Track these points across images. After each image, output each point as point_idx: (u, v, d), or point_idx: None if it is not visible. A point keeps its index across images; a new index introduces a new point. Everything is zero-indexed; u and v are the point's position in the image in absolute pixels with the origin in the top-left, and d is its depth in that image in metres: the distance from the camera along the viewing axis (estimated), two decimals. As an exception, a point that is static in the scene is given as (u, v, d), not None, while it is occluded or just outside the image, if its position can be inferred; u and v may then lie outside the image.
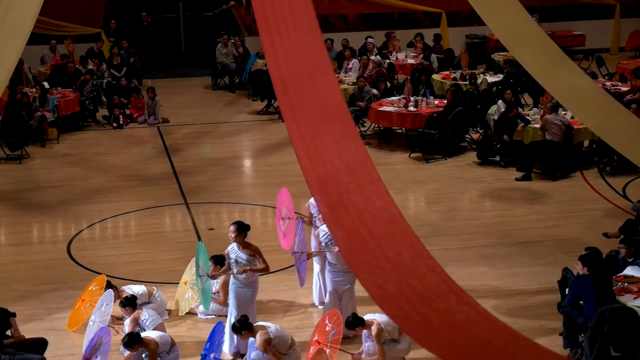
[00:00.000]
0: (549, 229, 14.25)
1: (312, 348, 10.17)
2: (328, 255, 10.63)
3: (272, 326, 10.03)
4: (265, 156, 18.25)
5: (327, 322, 10.27)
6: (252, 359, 10.00)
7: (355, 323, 10.08)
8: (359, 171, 6.73)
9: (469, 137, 18.43)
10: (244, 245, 10.60)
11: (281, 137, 19.43)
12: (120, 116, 20.01)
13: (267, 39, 7.24)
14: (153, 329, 10.34)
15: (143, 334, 9.92)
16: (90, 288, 11.47)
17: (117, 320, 11.16)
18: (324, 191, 6.71)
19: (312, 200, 11.45)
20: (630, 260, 11.04)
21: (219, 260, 11.26)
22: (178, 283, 12.06)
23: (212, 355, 9.95)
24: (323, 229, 10.65)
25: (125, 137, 19.66)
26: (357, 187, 6.60)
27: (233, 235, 10.59)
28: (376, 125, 19.18)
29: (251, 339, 9.99)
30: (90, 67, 21.45)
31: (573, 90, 8.46)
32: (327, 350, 9.96)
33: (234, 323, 10.01)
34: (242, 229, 10.58)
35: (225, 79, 23.84)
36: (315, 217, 11.37)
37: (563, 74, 8.38)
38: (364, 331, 10.25)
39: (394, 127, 18.91)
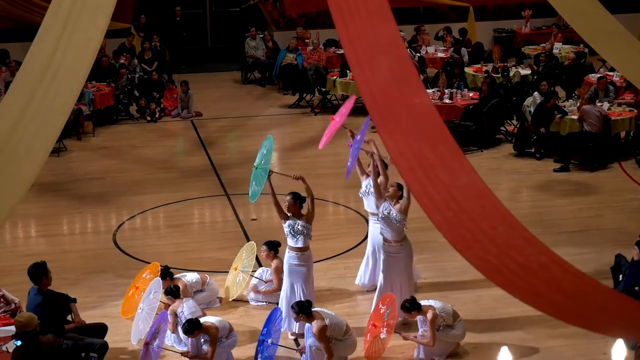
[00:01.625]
0: (592, 219, 14.27)
1: (369, 335, 10.24)
2: (384, 234, 10.78)
3: (328, 313, 10.10)
4: (301, 148, 18.30)
5: (380, 305, 10.36)
6: (310, 345, 10.06)
7: (412, 307, 10.15)
8: (441, 148, 6.79)
9: (504, 129, 18.45)
10: (299, 215, 10.92)
11: (315, 129, 19.52)
12: (157, 110, 20.11)
13: (342, 28, 7.28)
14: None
15: (202, 320, 9.98)
16: (143, 275, 11.54)
17: (167, 307, 11.24)
18: (412, 169, 6.77)
19: None
20: (683, 248, 11.04)
21: (273, 246, 11.44)
22: (226, 272, 12.15)
23: (269, 340, 10.00)
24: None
25: (160, 130, 19.74)
26: (442, 164, 6.66)
27: (287, 204, 10.98)
28: (410, 118, 19.23)
29: (307, 324, 10.05)
30: (122, 61, 21.54)
31: None
32: (384, 330, 10.05)
33: (292, 304, 10.08)
34: (297, 197, 11.02)
35: (255, 73, 23.89)
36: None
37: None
38: (419, 317, 10.32)
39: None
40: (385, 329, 10.11)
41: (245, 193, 15.46)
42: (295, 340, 10.87)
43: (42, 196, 15.46)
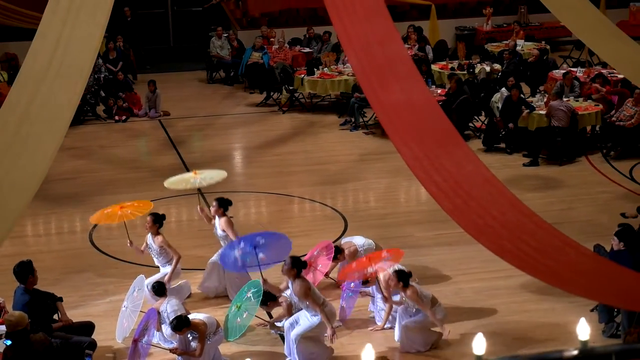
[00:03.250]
0: (564, 212, 14.51)
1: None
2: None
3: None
4: (272, 147, 18.35)
5: (386, 253, 10.65)
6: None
7: (401, 277, 10.37)
8: (443, 138, 6.90)
9: (472, 125, 18.66)
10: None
11: (285, 128, 19.61)
12: (123, 105, 20.10)
13: (340, 28, 7.35)
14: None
15: (191, 316, 10.00)
16: (132, 204, 11.63)
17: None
18: (417, 158, 6.87)
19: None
20: (659, 236, 11.29)
21: (223, 203, 11.76)
22: (202, 269, 12.23)
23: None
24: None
25: (128, 130, 19.68)
26: (446, 153, 6.76)
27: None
28: (378, 115, 19.40)
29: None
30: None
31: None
32: (374, 265, 10.37)
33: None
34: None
35: (220, 72, 23.89)
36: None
37: (633, 56, 8.66)
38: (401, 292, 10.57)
39: (397, 117, 19.11)
40: (374, 264, 10.34)
41: (220, 191, 15.64)
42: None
43: (14, 197, 15.33)
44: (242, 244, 10.61)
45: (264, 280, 10.47)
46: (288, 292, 10.40)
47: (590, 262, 7.00)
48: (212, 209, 11.74)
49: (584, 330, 3.56)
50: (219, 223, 11.70)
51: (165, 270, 11.57)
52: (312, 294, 10.01)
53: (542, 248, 6.44)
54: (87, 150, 18.20)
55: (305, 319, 10.18)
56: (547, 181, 16.03)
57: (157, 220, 11.62)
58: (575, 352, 3.30)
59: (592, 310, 11.11)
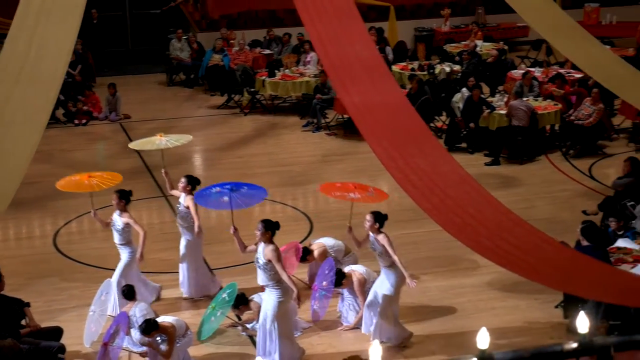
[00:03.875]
0: (526, 210, 14.64)
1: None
2: None
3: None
4: (234, 149, 18.35)
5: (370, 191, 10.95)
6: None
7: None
8: (418, 138, 6.97)
9: (433, 125, 18.80)
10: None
11: (246, 130, 19.62)
12: (83, 108, 19.98)
13: (312, 30, 7.40)
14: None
15: (159, 320, 9.99)
16: (102, 175, 11.59)
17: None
18: (392, 158, 6.93)
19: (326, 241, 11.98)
20: (620, 233, 11.47)
21: (192, 180, 11.71)
22: (171, 272, 12.20)
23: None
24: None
25: (88, 133, 19.57)
26: (421, 153, 6.83)
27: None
28: (339, 116, 19.48)
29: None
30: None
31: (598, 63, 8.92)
32: (356, 193, 10.84)
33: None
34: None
35: (180, 74, 23.82)
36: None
37: (595, 53, 8.82)
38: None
39: (358, 118, 19.22)
40: (357, 193, 10.62)
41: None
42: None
43: (-25, 202, 15.18)
44: (223, 186, 10.82)
45: (235, 229, 10.49)
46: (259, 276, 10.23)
47: (569, 258, 7.12)
48: (180, 186, 11.67)
49: (583, 323, 3.59)
50: (184, 200, 11.63)
51: (124, 257, 11.43)
52: (281, 261, 9.94)
53: (520, 245, 6.54)
54: (48, 154, 18.06)
55: (269, 301, 10.09)
56: (508, 180, 16.20)
57: (124, 197, 11.49)
58: (575, 345, 3.33)
59: (556, 307, 11.27)
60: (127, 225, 11.36)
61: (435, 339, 10.70)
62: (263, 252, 9.92)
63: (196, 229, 11.51)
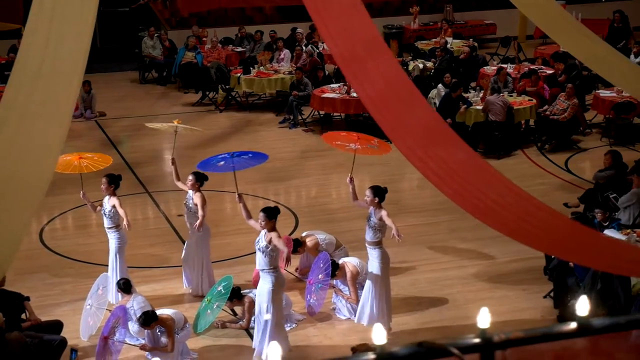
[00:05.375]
0: (507, 203, 14.92)
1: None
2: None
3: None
4: (212, 145, 18.37)
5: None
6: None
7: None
8: (434, 128, 7.12)
9: (409, 121, 19.01)
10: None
11: (223, 126, 19.67)
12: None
13: (320, 23, 7.52)
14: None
15: (158, 312, 10.07)
16: (92, 156, 11.64)
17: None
18: (410, 148, 7.09)
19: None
20: (606, 224, 11.74)
21: (200, 177, 11.74)
22: (159, 267, 12.31)
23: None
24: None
25: (73, 129, 19.47)
26: (438, 142, 6.98)
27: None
28: (315, 113, 19.64)
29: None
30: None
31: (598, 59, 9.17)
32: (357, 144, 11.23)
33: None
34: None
35: (152, 72, 23.80)
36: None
37: (595, 48, 9.06)
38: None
39: (335, 114, 19.39)
40: (359, 144, 11.15)
41: (166, 190, 15.67)
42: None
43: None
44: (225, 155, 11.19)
45: (239, 196, 10.70)
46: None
47: (585, 234, 7.35)
48: (189, 183, 11.67)
49: (583, 307, 3.65)
50: (193, 197, 11.67)
51: (114, 243, 11.50)
52: (278, 240, 10.06)
53: (546, 227, 6.72)
54: (25, 151, 17.97)
55: (263, 287, 10.20)
56: (487, 174, 16.44)
57: (113, 181, 11.58)
58: (575, 325, 3.38)
59: (544, 297, 11.52)
60: (113, 207, 11.42)
61: (430, 329, 10.89)
62: (264, 235, 10.05)
63: (198, 223, 11.54)
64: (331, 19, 7.30)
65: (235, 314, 11.26)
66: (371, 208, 10.62)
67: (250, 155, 11.55)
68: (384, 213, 10.51)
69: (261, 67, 21.09)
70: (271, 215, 10.11)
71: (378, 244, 10.59)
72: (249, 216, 10.52)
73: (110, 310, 10.65)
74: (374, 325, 3.02)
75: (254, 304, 10.55)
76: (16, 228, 6.29)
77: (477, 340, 2.86)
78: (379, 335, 2.89)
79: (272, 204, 15.03)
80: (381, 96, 6.97)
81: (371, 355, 2.65)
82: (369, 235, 10.63)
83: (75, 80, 6.30)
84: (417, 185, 16.21)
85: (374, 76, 6.92)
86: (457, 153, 6.75)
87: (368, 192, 10.61)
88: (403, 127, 7.07)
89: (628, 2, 27.03)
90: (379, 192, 10.61)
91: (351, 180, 11.08)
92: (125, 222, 11.28)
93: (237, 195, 10.71)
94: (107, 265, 11.78)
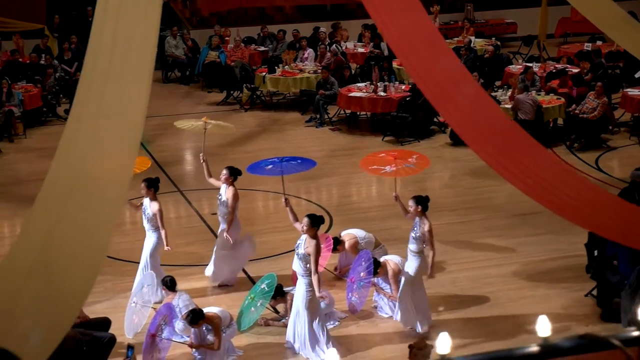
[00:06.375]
0: (540, 202, 14.88)
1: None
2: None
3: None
4: (240, 144, 18.43)
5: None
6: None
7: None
8: (506, 129, 7.15)
9: (436, 119, 19.01)
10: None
11: (248, 125, 19.68)
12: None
13: (379, 21, 7.54)
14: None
15: (205, 310, 10.08)
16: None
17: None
18: (485, 150, 7.13)
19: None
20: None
21: (234, 171, 11.81)
22: (195, 265, 12.34)
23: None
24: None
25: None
26: (508, 141, 7.01)
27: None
28: (341, 112, 19.65)
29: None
30: (42, 62, 21.23)
31: None
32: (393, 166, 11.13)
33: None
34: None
35: (175, 71, 23.83)
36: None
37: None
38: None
39: (362, 112, 19.42)
40: (394, 165, 11.12)
41: (198, 189, 15.70)
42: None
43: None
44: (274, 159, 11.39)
45: (286, 199, 10.82)
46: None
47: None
48: (222, 177, 11.77)
49: None
50: (226, 191, 11.71)
51: (152, 241, 11.54)
52: (315, 263, 10.11)
53: (625, 219, 6.74)
54: (54, 150, 17.89)
55: (299, 290, 10.28)
56: (517, 173, 16.40)
57: (152, 185, 11.58)
58: (636, 334, 3.32)
59: (586, 296, 11.50)
60: (155, 215, 11.47)
61: (474, 327, 10.88)
62: (305, 243, 10.10)
63: (230, 218, 11.59)
64: (389, 17, 7.29)
65: (277, 311, 11.27)
66: (416, 218, 10.66)
67: (299, 161, 11.66)
68: (426, 228, 10.55)
69: (286, 66, 21.10)
70: (315, 222, 10.20)
71: (420, 253, 10.67)
72: (296, 219, 10.62)
73: (155, 309, 10.68)
74: (440, 335, 3.02)
75: None
76: (100, 239, 6.28)
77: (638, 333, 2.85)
78: (443, 345, 2.87)
79: (305, 203, 15.14)
80: (446, 95, 6.98)
81: (535, 347, 2.65)
82: (412, 245, 10.68)
83: (146, 78, 6.31)
84: (445, 184, 16.23)
85: (458, 100, 6.95)
86: (530, 152, 6.76)
87: (411, 203, 10.65)
88: (477, 132, 7.09)
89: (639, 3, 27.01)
90: (422, 201, 10.66)
91: (396, 198, 11.07)
92: (165, 246, 11.45)
93: (284, 199, 10.87)
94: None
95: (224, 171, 11.79)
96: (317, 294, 10.26)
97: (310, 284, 10.17)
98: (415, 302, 10.73)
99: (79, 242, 6.14)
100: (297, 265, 10.26)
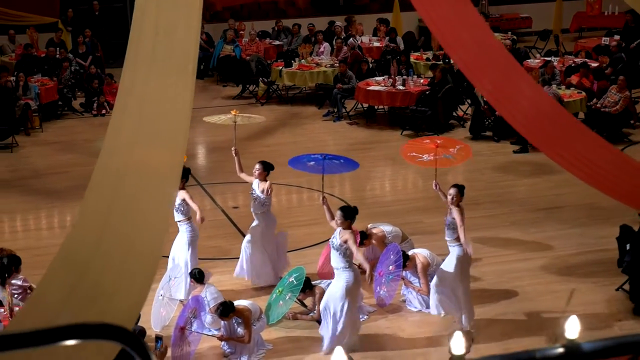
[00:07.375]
0: (565, 196, 14.76)
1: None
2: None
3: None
4: (259, 138, 18.32)
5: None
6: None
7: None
8: (554, 117, 7.04)
9: (455, 114, 18.88)
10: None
11: (268, 119, 19.48)
12: (105, 103, 19.81)
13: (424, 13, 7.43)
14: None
15: (235, 303, 9.96)
16: None
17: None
18: (536, 137, 7.03)
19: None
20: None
21: (268, 166, 11.61)
22: (219, 259, 12.22)
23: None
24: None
25: (107, 124, 19.36)
26: (568, 134, 6.92)
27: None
28: (359, 105, 19.53)
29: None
30: (57, 55, 21.13)
31: None
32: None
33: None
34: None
35: (189, 65, 23.71)
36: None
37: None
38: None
39: (380, 106, 19.29)
40: (432, 154, 10.83)
41: (220, 183, 15.58)
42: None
43: (8, 192, 15.07)
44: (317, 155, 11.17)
45: (324, 198, 10.71)
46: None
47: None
48: (256, 172, 11.51)
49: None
50: (259, 186, 11.53)
51: (186, 235, 11.35)
52: (353, 245, 9.98)
53: None
54: (71, 144, 17.93)
55: (338, 284, 10.08)
56: (539, 167, 16.26)
57: (183, 175, 10.97)
58: None
59: (617, 290, 11.37)
60: (183, 201, 11.29)
61: (503, 322, 10.75)
62: (339, 234, 9.96)
63: (261, 212, 11.46)
64: (437, 14, 7.16)
65: (304, 305, 11.15)
66: (451, 207, 10.48)
67: (342, 160, 11.46)
68: (456, 214, 10.35)
69: (302, 60, 20.97)
70: (348, 215, 10.06)
71: (457, 240, 10.43)
72: (332, 217, 10.46)
73: (183, 302, 10.57)
74: (454, 333, 2.88)
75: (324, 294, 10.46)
76: (158, 223, 6.14)
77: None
78: (457, 345, 2.73)
79: (330, 197, 14.99)
80: (528, 117, 6.88)
81: (560, 349, 2.51)
82: (447, 234, 10.51)
83: (190, 65, 6.19)
84: (466, 178, 16.06)
85: (519, 99, 6.84)
86: (590, 143, 6.68)
87: (453, 191, 10.44)
88: (533, 124, 6.98)
89: None
90: (462, 191, 10.49)
91: (436, 185, 10.93)
92: (198, 216, 11.17)
93: (321, 197, 10.78)
94: (165, 257, 11.68)
95: (257, 166, 11.57)
96: (366, 267, 10.07)
97: (349, 277, 9.97)
98: (461, 294, 10.53)
99: (136, 227, 6.02)
100: (335, 260, 10.04)
